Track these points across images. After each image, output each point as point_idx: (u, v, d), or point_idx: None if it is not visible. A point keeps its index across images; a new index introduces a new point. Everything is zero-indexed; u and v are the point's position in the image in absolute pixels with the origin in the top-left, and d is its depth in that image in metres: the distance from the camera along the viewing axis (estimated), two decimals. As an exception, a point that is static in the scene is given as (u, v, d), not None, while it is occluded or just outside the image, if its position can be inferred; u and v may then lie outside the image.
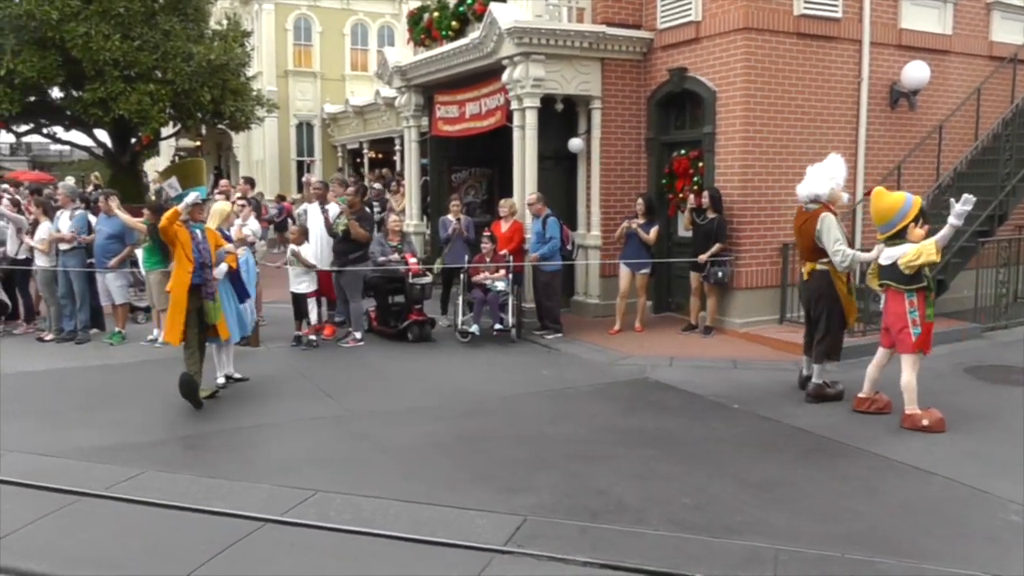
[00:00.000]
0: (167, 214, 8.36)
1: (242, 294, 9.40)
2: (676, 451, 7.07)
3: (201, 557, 4.96)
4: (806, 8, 11.74)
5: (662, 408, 8.50)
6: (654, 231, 11.86)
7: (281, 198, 23.89)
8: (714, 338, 11.59)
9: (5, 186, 22.50)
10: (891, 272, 7.72)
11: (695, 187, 12.18)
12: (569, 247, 12.16)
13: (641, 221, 11.89)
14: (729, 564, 4.85)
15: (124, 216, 11.97)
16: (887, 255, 7.75)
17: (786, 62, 11.71)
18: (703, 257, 11.41)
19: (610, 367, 10.25)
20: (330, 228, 11.92)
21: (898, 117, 12.94)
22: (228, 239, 9.41)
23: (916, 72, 12.54)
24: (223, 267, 8.88)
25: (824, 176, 8.61)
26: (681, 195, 12.61)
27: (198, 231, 8.63)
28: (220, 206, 9.82)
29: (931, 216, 11.84)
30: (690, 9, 12.20)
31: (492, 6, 12.27)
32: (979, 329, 11.79)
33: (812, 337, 8.78)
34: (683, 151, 12.70)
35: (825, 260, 8.50)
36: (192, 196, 8.53)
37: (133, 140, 24.27)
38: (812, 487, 6.22)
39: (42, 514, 5.67)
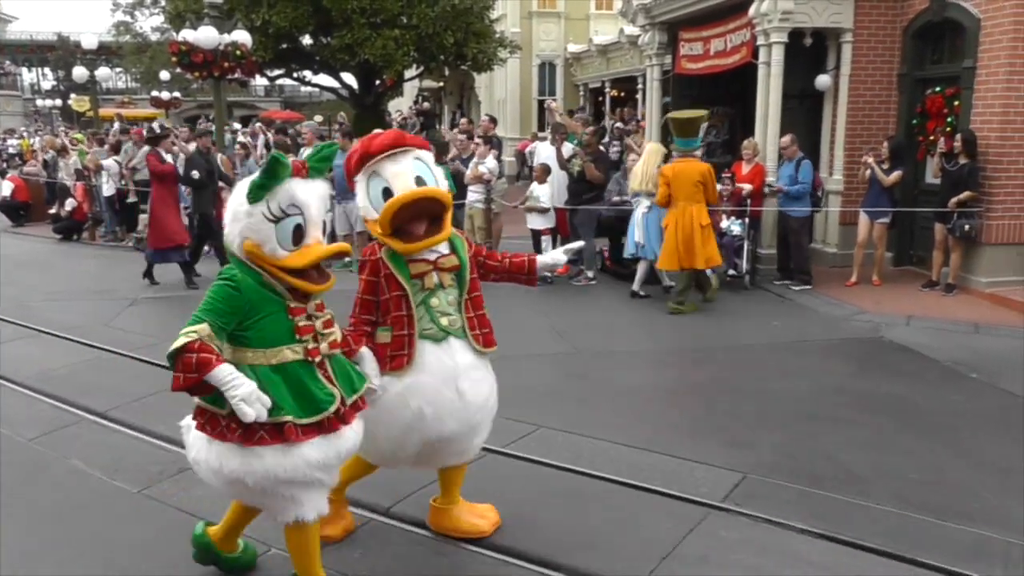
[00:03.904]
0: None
1: None
2: (907, 421, 6.86)
3: (426, 478, 5.18)
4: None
5: (895, 371, 8.27)
6: (895, 175, 11.48)
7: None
8: (956, 297, 11.08)
9: (260, 124, 24.16)
10: None
11: (948, 128, 11.61)
12: (819, 194, 11.93)
13: (886, 167, 11.49)
14: (954, 552, 4.63)
15: None
16: None
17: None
18: (951, 204, 10.89)
19: (843, 322, 10.19)
20: (565, 166, 12.20)
21: None
22: None
23: None
24: None
25: None
26: (932, 137, 12.11)
27: None
28: (654, 146, 11.36)
29: None
30: (955, -72, 11.63)
31: (739, -63, 12.12)
32: None
33: None
34: (938, 88, 12.21)
35: None
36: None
37: (377, 82, 25.59)
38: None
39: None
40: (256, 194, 3.57)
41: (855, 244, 12.04)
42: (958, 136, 11.05)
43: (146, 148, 17.24)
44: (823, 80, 12.96)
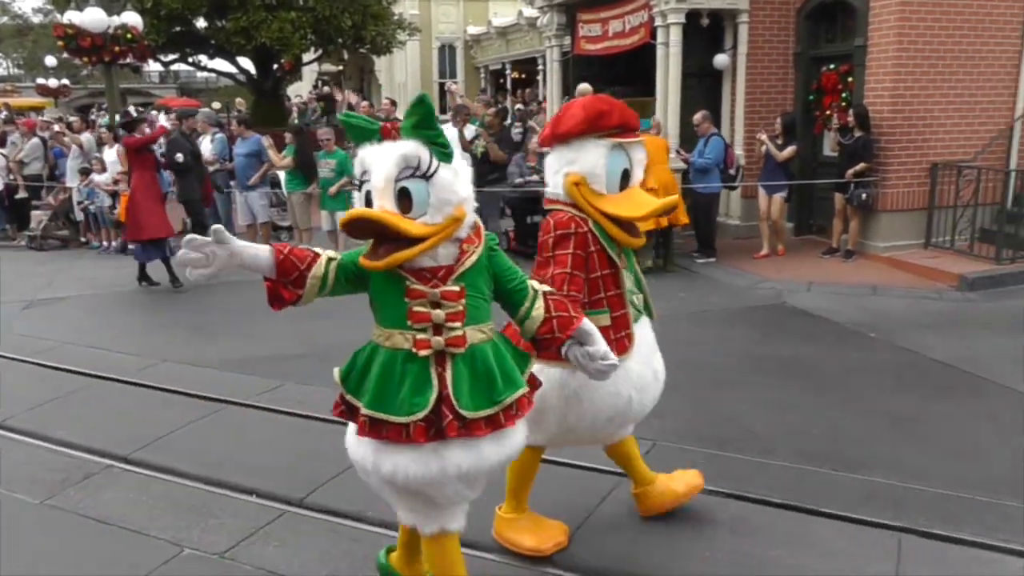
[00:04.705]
0: None
1: None
2: (809, 380, 7.19)
3: (340, 466, 5.25)
4: (969, -94, 11.34)
5: (797, 335, 8.64)
6: (789, 150, 11.76)
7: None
8: (855, 262, 11.60)
9: (155, 112, 23.60)
10: None
11: (843, 103, 12.00)
12: (732, 171, 12.10)
13: (780, 142, 11.81)
14: (851, 499, 4.90)
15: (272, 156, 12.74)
16: None
17: (947, -34, 11.43)
18: (848, 175, 11.31)
19: (747, 291, 10.49)
20: (468, 148, 12.23)
21: (1073, 22, 12.39)
22: None
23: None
24: None
25: None
26: (828, 112, 12.50)
27: None
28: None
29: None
30: (843, -86, 11.97)
31: (636, -82, 12.25)
32: None
33: None
34: (832, 66, 12.61)
35: None
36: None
37: (275, 66, 25.16)
38: (946, 424, 6.20)
39: (191, 420, 6.32)
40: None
41: (757, 218, 12.36)
42: (852, 111, 11.44)
43: (35, 140, 16.89)
44: (721, 59, 13.21)
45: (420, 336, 3.19)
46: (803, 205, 13.12)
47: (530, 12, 21.64)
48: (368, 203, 3.14)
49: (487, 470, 3.36)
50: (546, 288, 3.53)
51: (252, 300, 10.19)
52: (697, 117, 12.03)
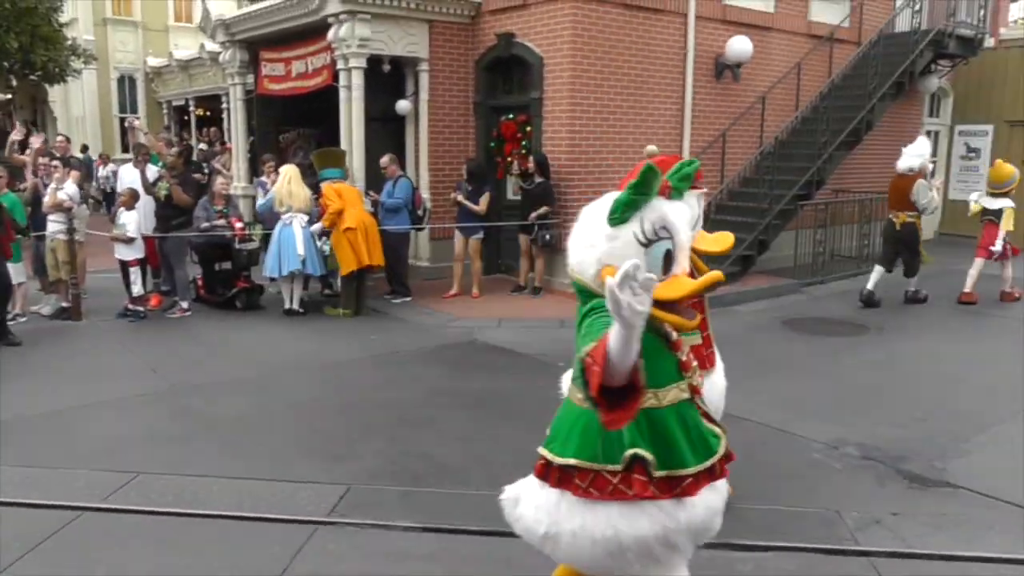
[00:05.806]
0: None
1: None
2: (501, 411, 7.42)
3: (13, 554, 4.82)
4: (632, -21, 12.26)
5: (489, 369, 8.91)
6: (484, 200, 12.12)
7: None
8: (543, 298, 12.15)
9: None
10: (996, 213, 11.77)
11: (523, 151, 12.48)
12: (420, 212, 12.24)
13: (469, 188, 12.10)
14: None
15: None
16: (997, 203, 11.79)
17: (613, 31, 12.28)
18: (531, 217, 11.82)
19: (439, 330, 10.60)
20: (150, 191, 11.53)
21: (723, 88, 13.89)
22: None
23: (740, 46, 13.48)
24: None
25: (915, 154, 11.41)
26: (510, 159, 12.98)
27: None
28: (293, 169, 11.75)
29: (752, 180, 12.91)
30: (518, -26, 12.50)
31: (319, -40, 12.19)
32: (798, 285, 12.93)
33: (887, 265, 11.82)
34: (511, 115, 13.11)
35: (913, 213, 11.47)
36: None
37: (-68, 91, 22.72)
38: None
39: None
40: (623, 213, 2.99)
41: (451, 258, 12.55)
42: (532, 158, 11.96)
43: None
44: (403, 105, 13.39)
45: (695, 381, 3.20)
46: (491, 246, 13.42)
47: (213, 46, 20.89)
48: (667, 262, 3.02)
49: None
50: None
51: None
52: (384, 160, 12.09)
